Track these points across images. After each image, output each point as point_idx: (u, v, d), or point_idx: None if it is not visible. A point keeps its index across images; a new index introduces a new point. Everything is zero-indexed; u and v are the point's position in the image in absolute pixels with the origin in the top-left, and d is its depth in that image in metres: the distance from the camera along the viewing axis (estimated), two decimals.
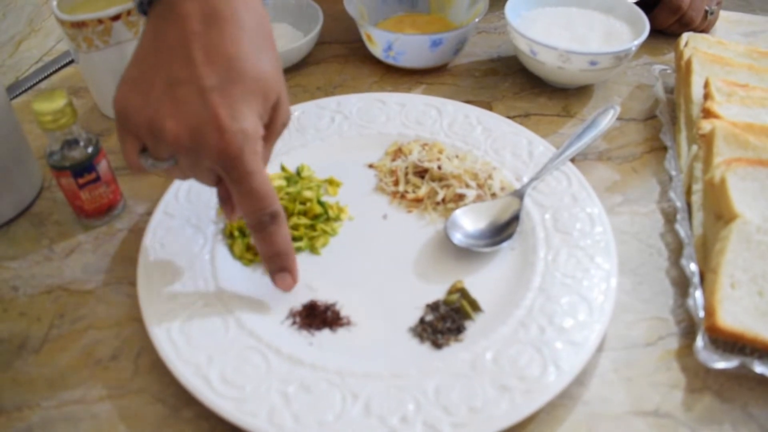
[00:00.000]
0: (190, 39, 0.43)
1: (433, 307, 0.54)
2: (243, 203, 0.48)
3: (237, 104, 0.44)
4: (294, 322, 0.53)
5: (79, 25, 0.65)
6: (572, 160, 0.66)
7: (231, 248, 0.58)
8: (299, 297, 0.55)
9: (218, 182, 0.50)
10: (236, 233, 0.59)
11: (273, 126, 0.49)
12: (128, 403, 0.50)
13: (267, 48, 0.46)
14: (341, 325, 0.53)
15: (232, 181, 0.46)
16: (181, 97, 0.43)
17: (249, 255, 0.58)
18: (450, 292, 0.55)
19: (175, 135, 0.43)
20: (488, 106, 0.76)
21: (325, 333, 0.53)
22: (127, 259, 0.60)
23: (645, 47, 0.84)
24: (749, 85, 0.68)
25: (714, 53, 0.74)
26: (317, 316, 0.53)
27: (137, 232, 0.62)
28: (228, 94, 0.43)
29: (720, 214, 0.56)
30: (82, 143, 0.58)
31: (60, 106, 0.54)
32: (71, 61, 0.85)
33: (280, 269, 0.52)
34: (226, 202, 0.53)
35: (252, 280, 0.57)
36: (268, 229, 0.49)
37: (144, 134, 0.45)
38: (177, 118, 0.43)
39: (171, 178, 0.51)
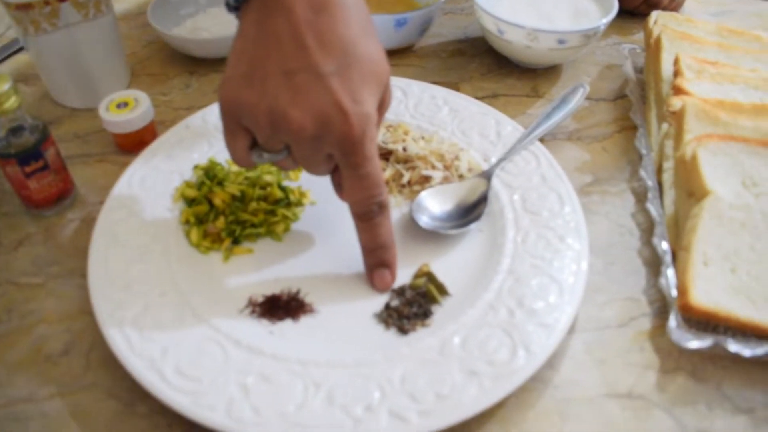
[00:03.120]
0: (300, 26, 0.42)
1: (399, 291, 0.52)
2: (355, 189, 0.48)
3: (357, 88, 0.44)
4: (253, 311, 0.51)
5: (25, 7, 0.62)
6: (541, 141, 0.65)
7: (187, 235, 0.56)
8: (259, 284, 0.53)
9: (332, 170, 0.50)
10: (192, 219, 0.56)
11: (381, 109, 0.48)
12: (80, 400, 0.48)
13: (372, 31, 0.46)
14: (304, 312, 0.51)
15: (349, 166, 0.46)
16: (301, 85, 0.42)
17: (206, 242, 0.55)
18: (416, 276, 0.53)
19: (300, 124, 0.43)
20: (455, 88, 0.74)
21: (287, 321, 0.51)
22: (79, 250, 0.57)
23: (614, 27, 0.83)
24: (719, 62, 0.67)
25: (683, 31, 0.73)
26: (280, 307, 0.51)
27: (90, 222, 0.59)
28: (347, 77, 0.43)
29: (691, 191, 0.54)
30: (27, 130, 0.55)
31: (3, 90, 0.52)
32: (21, 48, 0.81)
33: (380, 263, 0.52)
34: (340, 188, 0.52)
35: (209, 268, 0.54)
36: (374, 219, 0.49)
37: (262, 127, 0.44)
38: (300, 106, 0.43)
39: (280, 167, 0.50)
